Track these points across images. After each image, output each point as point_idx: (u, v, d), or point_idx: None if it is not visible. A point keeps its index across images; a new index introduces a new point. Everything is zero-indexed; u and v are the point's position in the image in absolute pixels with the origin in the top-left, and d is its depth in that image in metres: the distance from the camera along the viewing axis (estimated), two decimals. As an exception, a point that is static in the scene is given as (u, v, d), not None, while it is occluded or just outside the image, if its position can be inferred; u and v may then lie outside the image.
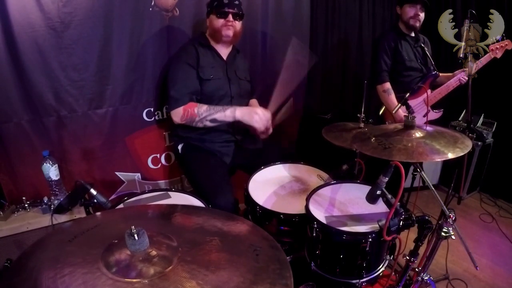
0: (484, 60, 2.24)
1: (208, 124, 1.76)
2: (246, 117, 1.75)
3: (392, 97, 2.24)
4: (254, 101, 2.15)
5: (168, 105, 1.79)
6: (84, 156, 1.90)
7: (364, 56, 2.99)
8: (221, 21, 1.76)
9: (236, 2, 1.78)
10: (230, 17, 1.76)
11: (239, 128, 1.95)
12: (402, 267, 1.42)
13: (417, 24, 2.28)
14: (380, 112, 2.37)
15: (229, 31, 1.78)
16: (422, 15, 2.27)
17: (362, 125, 1.94)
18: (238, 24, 1.82)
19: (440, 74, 2.34)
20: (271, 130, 1.87)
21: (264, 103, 2.18)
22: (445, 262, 1.96)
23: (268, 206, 1.49)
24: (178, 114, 1.75)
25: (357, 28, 2.93)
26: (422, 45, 2.36)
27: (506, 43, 2.24)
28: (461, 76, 2.24)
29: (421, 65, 2.36)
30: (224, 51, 1.90)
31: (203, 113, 1.73)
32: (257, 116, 1.74)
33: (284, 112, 1.90)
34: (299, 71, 1.88)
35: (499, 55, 2.24)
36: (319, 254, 1.35)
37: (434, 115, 2.32)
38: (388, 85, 2.26)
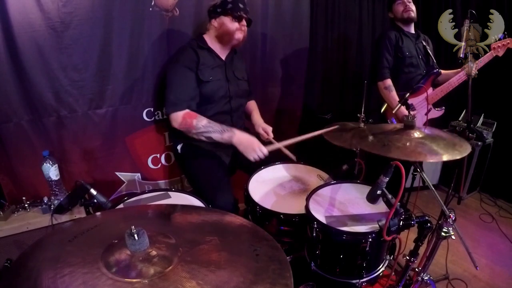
0: (486, 58, 2.23)
1: (203, 139, 1.75)
2: (242, 148, 1.69)
3: (394, 94, 2.23)
4: (253, 104, 2.15)
5: (166, 108, 1.79)
6: (84, 156, 1.90)
7: (364, 56, 2.98)
8: (236, 24, 1.77)
9: (248, 9, 1.81)
10: (244, 21, 1.79)
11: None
12: (402, 267, 1.42)
13: (412, 15, 2.29)
14: (382, 110, 2.36)
15: (241, 35, 1.81)
16: (411, 5, 2.28)
17: (362, 125, 1.94)
18: (246, 30, 1.85)
19: (446, 71, 2.32)
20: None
21: (262, 108, 2.18)
22: (445, 262, 1.96)
23: (268, 206, 1.49)
24: (176, 120, 1.74)
25: (357, 28, 2.92)
26: (424, 42, 2.36)
27: (508, 41, 2.22)
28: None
29: (422, 62, 2.36)
30: (223, 52, 1.90)
31: (201, 128, 1.71)
32: (254, 153, 1.67)
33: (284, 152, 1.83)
34: None
35: (501, 53, 2.23)
36: (319, 254, 1.35)
37: (435, 113, 2.32)
38: (389, 81, 2.27)
